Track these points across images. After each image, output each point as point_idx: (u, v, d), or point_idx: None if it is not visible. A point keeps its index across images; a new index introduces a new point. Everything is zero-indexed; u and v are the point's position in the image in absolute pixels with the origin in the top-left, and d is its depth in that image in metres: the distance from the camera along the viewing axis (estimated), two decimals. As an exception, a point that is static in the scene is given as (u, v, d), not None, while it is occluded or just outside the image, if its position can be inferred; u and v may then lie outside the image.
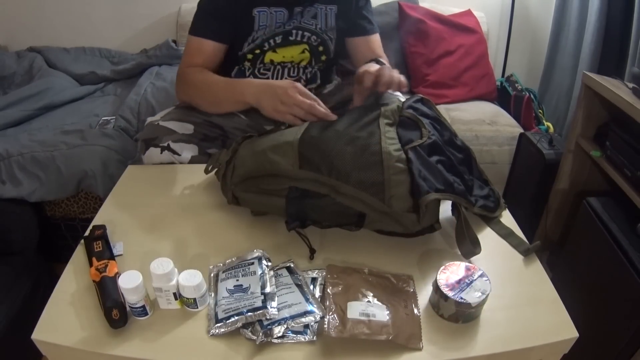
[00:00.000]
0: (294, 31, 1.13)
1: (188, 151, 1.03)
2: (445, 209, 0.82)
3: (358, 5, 1.18)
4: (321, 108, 0.89)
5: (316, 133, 0.77)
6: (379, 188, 0.68)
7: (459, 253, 0.74)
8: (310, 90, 1.24)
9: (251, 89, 0.99)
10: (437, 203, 0.72)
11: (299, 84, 0.94)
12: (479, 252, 0.73)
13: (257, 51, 1.14)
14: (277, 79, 1.19)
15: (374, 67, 0.97)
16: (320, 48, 1.17)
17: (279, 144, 0.77)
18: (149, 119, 1.10)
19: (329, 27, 1.16)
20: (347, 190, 0.70)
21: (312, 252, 0.75)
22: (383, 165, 0.69)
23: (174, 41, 1.99)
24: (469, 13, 1.99)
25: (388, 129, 0.76)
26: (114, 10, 2.08)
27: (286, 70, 1.18)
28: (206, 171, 0.88)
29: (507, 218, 0.85)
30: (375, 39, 1.22)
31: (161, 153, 1.01)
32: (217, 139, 1.11)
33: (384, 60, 1.18)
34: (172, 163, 1.02)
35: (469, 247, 0.72)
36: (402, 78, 0.92)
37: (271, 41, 1.12)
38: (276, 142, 0.78)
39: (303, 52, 1.17)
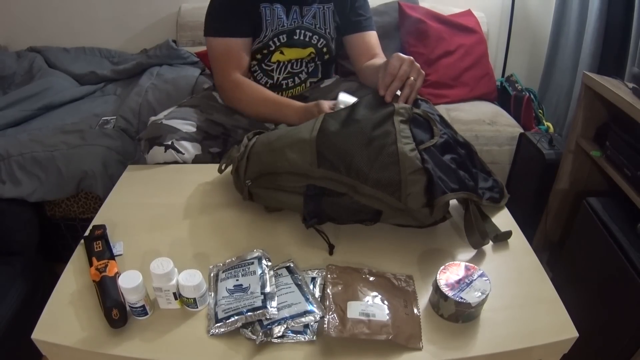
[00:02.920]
0: (297, 30, 1.14)
1: (191, 150, 1.04)
2: (453, 200, 0.83)
3: (355, 4, 1.19)
4: None
5: (333, 131, 0.77)
6: (396, 187, 0.70)
7: (458, 253, 0.75)
8: (310, 83, 1.26)
9: (293, 115, 1.05)
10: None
11: (330, 104, 0.97)
12: (487, 244, 0.76)
13: (265, 51, 1.16)
14: (280, 72, 1.21)
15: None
16: (325, 49, 1.20)
17: (296, 141, 0.77)
18: (152, 119, 1.11)
19: (329, 25, 1.17)
20: (365, 190, 0.72)
21: (331, 247, 0.76)
22: (399, 165, 0.70)
23: (174, 41, 1.98)
24: (469, 13, 1.99)
25: (402, 126, 0.76)
26: (114, 10, 2.08)
27: (290, 65, 1.20)
28: (220, 170, 0.90)
29: (507, 218, 0.85)
30: (372, 35, 1.22)
31: (165, 152, 1.01)
32: (219, 137, 1.12)
33: (381, 58, 1.19)
34: (176, 162, 1.02)
35: (477, 238, 0.75)
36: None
37: (275, 40, 1.13)
38: (293, 139, 0.78)
39: (309, 54, 1.19)
